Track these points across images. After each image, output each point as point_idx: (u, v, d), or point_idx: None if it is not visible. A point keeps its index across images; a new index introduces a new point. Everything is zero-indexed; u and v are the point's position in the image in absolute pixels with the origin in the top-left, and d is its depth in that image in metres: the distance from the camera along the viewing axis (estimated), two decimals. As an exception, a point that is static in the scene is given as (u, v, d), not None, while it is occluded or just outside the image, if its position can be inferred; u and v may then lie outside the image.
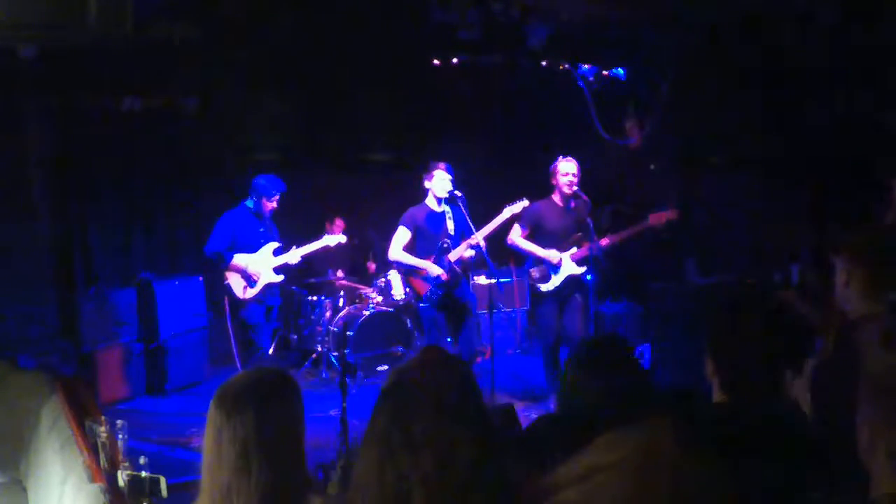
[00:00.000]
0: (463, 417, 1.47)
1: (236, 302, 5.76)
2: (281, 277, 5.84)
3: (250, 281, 5.70)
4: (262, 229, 5.81)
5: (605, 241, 5.51)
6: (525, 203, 5.59)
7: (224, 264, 5.70)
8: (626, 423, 1.60)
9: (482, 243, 5.48)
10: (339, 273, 7.37)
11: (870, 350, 1.34)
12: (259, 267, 5.72)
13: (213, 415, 1.74)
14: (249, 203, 5.77)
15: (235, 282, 5.71)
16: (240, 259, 5.69)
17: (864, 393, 1.32)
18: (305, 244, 5.97)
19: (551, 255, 5.57)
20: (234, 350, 6.06)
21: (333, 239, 6.10)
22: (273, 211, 5.81)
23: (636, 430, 1.59)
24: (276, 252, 5.82)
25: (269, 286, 5.78)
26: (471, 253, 5.53)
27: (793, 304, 2.18)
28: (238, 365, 5.89)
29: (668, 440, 1.57)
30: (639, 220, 5.63)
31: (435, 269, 5.58)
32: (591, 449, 1.61)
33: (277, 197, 5.74)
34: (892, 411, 1.27)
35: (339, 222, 7.35)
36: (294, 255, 5.85)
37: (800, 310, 2.48)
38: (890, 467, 1.27)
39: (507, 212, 5.57)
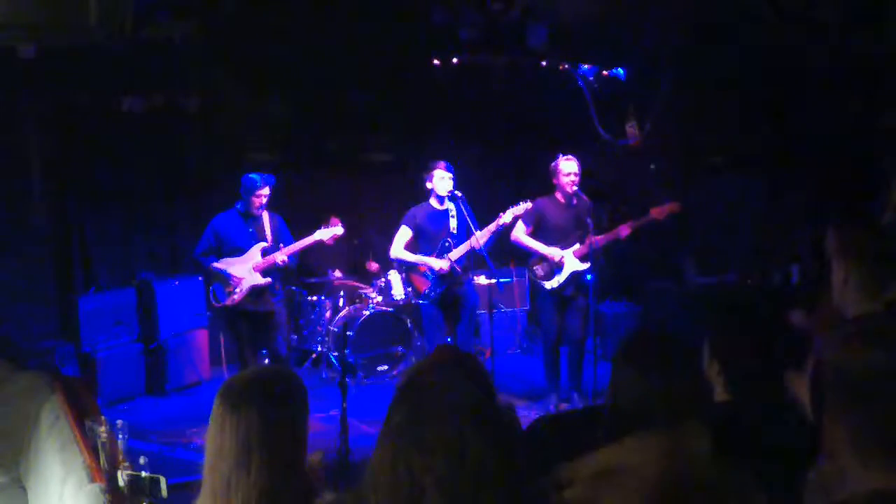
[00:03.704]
0: (475, 418, 1.47)
1: (222, 309, 5.63)
2: (267, 280, 5.52)
3: (234, 286, 5.47)
4: (251, 230, 5.56)
5: (604, 238, 5.48)
6: (528, 205, 5.57)
7: (204, 268, 5.56)
8: (661, 426, 1.60)
9: (481, 244, 5.45)
10: (338, 273, 7.34)
11: (842, 345, 1.36)
12: (240, 270, 5.48)
13: (217, 407, 1.75)
14: (239, 204, 5.56)
15: (220, 288, 5.54)
16: (220, 264, 5.50)
17: (828, 388, 1.34)
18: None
19: (554, 252, 5.58)
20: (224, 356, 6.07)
21: (328, 232, 5.66)
22: (264, 207, 5.55)
23: (667, 435, 1.59)
24: (266, 252, 5.53)
25: (258, 293, 5.54)
26: (483, 240, 5.47)
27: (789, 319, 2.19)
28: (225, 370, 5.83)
29: (702, 450, 1.57)
30: (640, 215, 5.60)
31: (436, 263, 5.56)
32: (613, 448, 1.61)
33: (265, 190, 5.45)
34: (855, 405, 1.29)
35: (334, 221, 7.30)
36: (280, 255, 5.49)
37: (795, 321, 2.48)
38: (856, 465, 1.29)
39: (510, 214, 5.54)
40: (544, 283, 5.66)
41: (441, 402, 1.47)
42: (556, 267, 5.59)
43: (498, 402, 1.59)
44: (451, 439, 1.42)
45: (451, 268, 5.58)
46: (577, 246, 5.58)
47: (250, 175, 5.53)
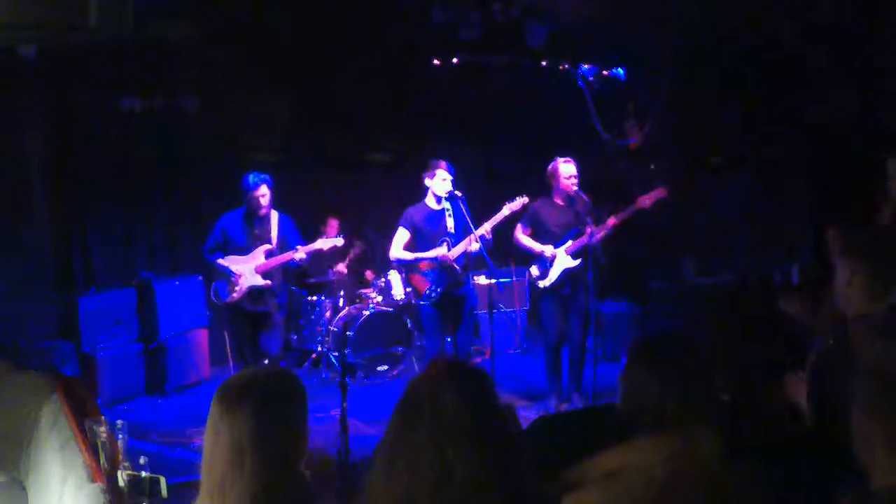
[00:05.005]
0: (465, 431, 1.46)
1: (224, 307, 5.67)
2: (267, 282, 5.56)
3: (234, 284, 5.52)
4: (256, 231, 5.59)
5: (598, 231, 5.46)
6: (525, 200, 5.54)
7: (210, 265, 5.60)
8: (673, 426, 1.60)
9: (488, 234, 5.41)
10: (340, 267, 7.33)
11: (868, 341, 1.36)
12: (241, 269, 5.52)
13: (213, 406, 1.76)
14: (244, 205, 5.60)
15: (223, 285, 5.59)
16: (224, 262, 5.55)
17: (861, 384, 1.34)
18: (306, 243, 5.77)
19: (546, 249, 5.58)
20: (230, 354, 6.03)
21: (328, 242, 5.81)
22: (270, 207, 5.57)
23: (678, 436, 1.59)
24: (269, 254, 5.58)
25: (257, 294, 5.55)
26: (476, 246, 5.44)
27: (786, 312, 2.18)
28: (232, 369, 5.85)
29: (712, 451, 1.57)
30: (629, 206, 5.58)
31: (435, 252, 5.51)
32: (623, 449, 1.61)
33: (261, 190, 5.45)
34: (889, 401, 1.29)
35: (332, 222, 7.28)
36: (298, 253, 5.57)
37: (794, 314, 2.48)
38: (889, 458, 1.29)
39: (507, 209, 5.49)
40: (538, 282, 5.65)
41: (428, 415, 1.47)
42: (549, 264, 5.59)
43: (500, 409, 1.58)
44: (439, 453, 1.42)
45: (451, 267, 5.55)
46: (569, 243, 5.56)
47: (247, 176, 5.55)
